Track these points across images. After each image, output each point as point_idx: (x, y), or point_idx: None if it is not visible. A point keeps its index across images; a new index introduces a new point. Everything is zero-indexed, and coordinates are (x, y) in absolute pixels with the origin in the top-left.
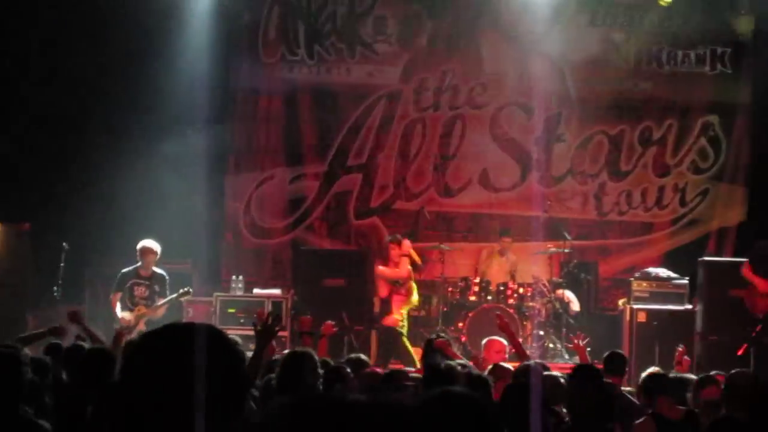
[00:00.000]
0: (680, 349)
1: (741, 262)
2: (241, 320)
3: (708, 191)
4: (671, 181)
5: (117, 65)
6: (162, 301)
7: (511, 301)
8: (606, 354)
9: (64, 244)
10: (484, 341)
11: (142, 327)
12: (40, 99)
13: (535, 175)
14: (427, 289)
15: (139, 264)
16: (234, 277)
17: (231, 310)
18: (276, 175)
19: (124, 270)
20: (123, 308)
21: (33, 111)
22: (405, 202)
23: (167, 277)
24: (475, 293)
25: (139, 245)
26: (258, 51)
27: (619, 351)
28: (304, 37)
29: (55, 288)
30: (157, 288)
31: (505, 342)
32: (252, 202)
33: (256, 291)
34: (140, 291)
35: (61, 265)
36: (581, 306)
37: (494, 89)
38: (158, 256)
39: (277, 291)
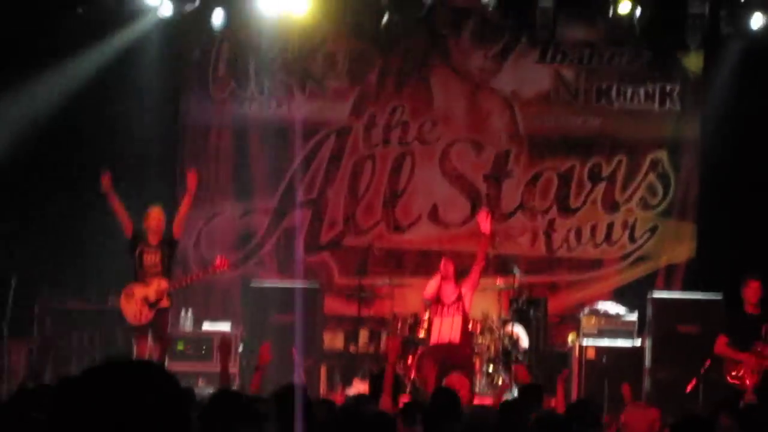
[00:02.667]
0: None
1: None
2: (190, 355)
3: (657, 228)
4: (621, 218)
5: (67, 101)
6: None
7: None
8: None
9: (12, 279)
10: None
11: (165, 303)
12: None
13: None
14: (376, 325)
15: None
16: (182, 312)
17: (180, 347)
18: (225, 211)
19: (130, 237)
20: (136, 280)
21: None
22: (354, 237)
23: (176, 239)
24: (424, 329)
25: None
26: (208, 86)
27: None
28: (254, 72)
29: (2, 323)
30: (167, 251)
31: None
32: (201, 237)
33: (206, 326)
34: (150, 258)
35: (9, 299)
36: (531, 342)
37: (444, 125)
38: (163, 218)
39: (226, 326)
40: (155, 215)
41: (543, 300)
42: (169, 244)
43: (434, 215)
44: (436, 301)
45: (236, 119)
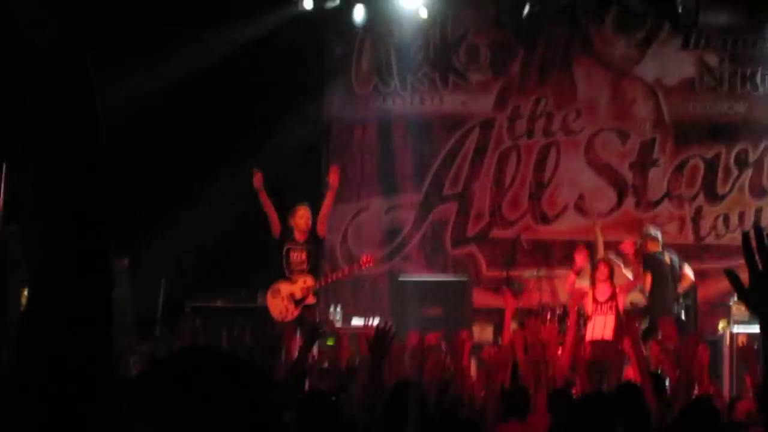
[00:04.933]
0: None
1: None
2: None
3: None
4: None
5: (214, 100)
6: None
7: None
8: None
9: (162, 280)
10: None
11: (311, 300)
12: (131, 132)
13: (631, 201)
14: (525, 317)
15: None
16: (332, 308)
17: (330, 342)
18: (372, 206)
19: (277, 236)
20: (281, 278)
21: (125, 144)
22: (501, 230)
23: (322, 237)
24: (573, 320)
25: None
26: (351, 82)
27: None
28: (397, 67)
29: (156, 324)
30: (313, 248)
31: None
32: (348, 233)
33: (354, 321)
34: (296, 256)
35: (160, 301)
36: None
37: (588, 115)
38: (309, 216)
39: (375, 321)
40: (302, 213)
41: (692, 287)
42: (315, 241)
43: (580, 205)
44: (592, 300)
45: (380, 114)
